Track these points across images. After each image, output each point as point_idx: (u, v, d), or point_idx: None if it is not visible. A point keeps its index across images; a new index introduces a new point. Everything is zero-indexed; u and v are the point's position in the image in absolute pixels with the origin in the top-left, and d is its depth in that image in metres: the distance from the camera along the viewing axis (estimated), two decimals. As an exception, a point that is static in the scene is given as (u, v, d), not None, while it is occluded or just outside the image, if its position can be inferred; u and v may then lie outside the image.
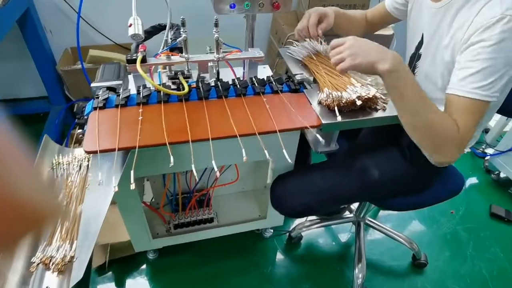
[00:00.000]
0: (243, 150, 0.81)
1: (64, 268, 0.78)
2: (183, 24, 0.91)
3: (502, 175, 1.95)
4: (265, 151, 0.84)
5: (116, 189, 0.75)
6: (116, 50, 2.05)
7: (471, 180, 1.98)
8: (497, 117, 1.99)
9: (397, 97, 0.81)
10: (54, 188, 0.81)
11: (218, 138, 0.86)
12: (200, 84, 1.02)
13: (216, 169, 0.79)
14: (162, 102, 0.95)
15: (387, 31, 2.04)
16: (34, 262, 0.79)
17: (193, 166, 0.80)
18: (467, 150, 1.05)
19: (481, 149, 2.10)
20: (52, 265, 0.78)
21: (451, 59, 0.86)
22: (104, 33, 2.05)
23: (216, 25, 0.93)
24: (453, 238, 1.65)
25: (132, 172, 0.75)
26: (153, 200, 1.37)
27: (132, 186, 0.74)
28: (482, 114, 0.80)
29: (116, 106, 0.93)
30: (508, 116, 1.64)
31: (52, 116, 1.97)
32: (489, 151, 2.03)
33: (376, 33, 2.01)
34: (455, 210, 1.77)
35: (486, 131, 2.10)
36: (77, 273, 0.71)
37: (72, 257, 0.79)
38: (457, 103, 0.80)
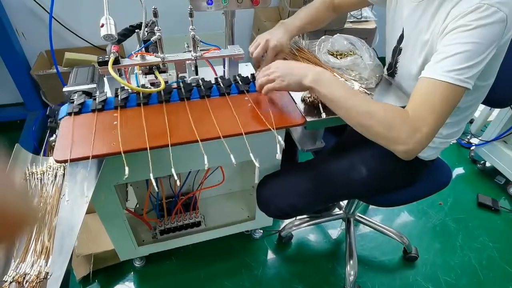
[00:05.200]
0: (232, 156, 0.77)
1: (39, 286, 0.74)
2: (155, 15, 0.86)
3: (487, 164, 1.96)
4: (251, 154, 0.80)
5: (88, 200, 0.70)
6: (93, 52, 1.98)
7: (458, 171, 1.99)
8: (481, 107, 2.00)
9: (331, 103, 0.82)
10: (29, 193, 0.76)
11: (202, 141, 0.82)
12: (181, 84, 0.98)
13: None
14: (142, 105, 0.91)
15: (370, 25, 2.03)
16: (6, 281, 0.74)
17: (173, 170, 0.76)
18: (452, 141, 1.03)
19: (466, 140, 2.11)
20: (26, 283, 0.73)
21: (429, 54, 0.84)
22: (80, 35, 1.98)
23: (191, 15, 0.89)
24: (443, 230, 1.65)
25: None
26: (137, 206, 1.33)
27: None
28: (452, 101, 0.74)
29: (93, 110, 0.88)
30: (492, 106, 1.65)
31: (29, 123, 1.90)
32: (474, 141, 2.05)
33: (359, 27, 2.01)
34: (443, 202, 1.78)
35: (471, 121, 2.11)
36: (52, 291, 0.67)
37: (47, 273, 0.74)
38: (423, 86, 0.75)
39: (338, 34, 1.12)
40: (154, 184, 0.72)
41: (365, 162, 1.00)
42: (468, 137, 2.11)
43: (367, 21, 2.06)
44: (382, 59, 1.06)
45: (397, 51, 0.99)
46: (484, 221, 1.70)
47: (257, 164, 0.81)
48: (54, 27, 1.80)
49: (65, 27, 1.93)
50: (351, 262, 1.38)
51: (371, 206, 1.74)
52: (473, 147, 2.03)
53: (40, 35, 1.83)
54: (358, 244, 1.54)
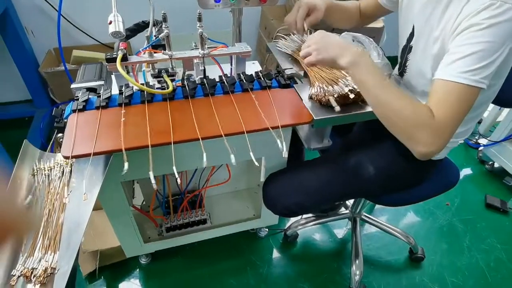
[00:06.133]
0: (232, 156, 0.78)
1: (47, 280, 0.74)
2: (165, 20, 0.87)
3: (496, 165, 1.94)
4: (251, 153, 0.80)
5: (86, 197, 0.71)
6: (101, 50, 1.99)
7: (465, 171, 1.97)
8: (490, 107, 1.97)
9: (362, 89, 0.82)
10: (20, 200, 0.77)
11: (204, 139, 0.82)
12: (185, 82, 0.98)
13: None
14: (146, 102, 0.91)
15: (377, 23, 2.02)
16: (14, 275, 0.75)
17: (174, 168, 0.76)
18: (460, 141, 1.03)
19: (474, 140, 2.09)
20: (33, 277, 0.74)
21: (440, 51, 0.83)
22: (88, 32, 2.00)
23: (200, 19, 0.89)
24: (450, 231, 1.63)
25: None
26: (143, 203, 1.33)
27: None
28: (469, 102, 0.74)
29: (97, 107, 0.89)
30: (501, 106, 1.62)
31: (37, 120, 1.92)
32: (483, 141, 2.02)
33: (367, 25, 1.99)
34: (450, 202, 1.76)
35: (479, 121, 2.09)
36: (59, 285, 0.67)
37: (54, 269, 0.75)
38: (441, 88, 0.75)
39: (346, 32, 1.11)
40: (154, 181, 0.72)
41: (373, 161, 1.00)
42: (476, 137, 2.09)
43: (374, 19, 2.04)
44: (390, 58, 1.05)
45: (406, 49, 0.99)
46: (492, 223, 1.68)
47: (256, 164, 0.81)
48: (62, 24, 1.81)
49: (73, 24, 1.94)
50: (357, 261, 1.37)
51: (377, 206, 1.72)
52: (481, 148, 2.01)
53: (49, 32, 1.85)
54: (364, 243, 1.53)
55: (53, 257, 0.78)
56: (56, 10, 1.74)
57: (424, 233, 1.62)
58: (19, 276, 0.75)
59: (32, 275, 0.75)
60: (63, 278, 0.67)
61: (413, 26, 0.94)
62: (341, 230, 1.62)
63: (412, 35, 0.95)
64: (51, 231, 0.84)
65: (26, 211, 0.72)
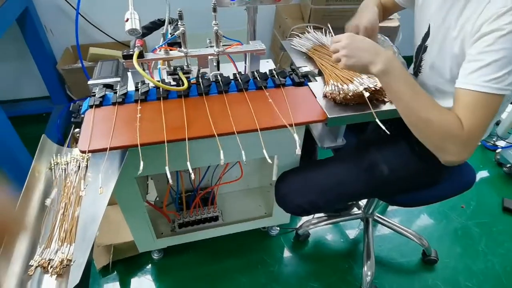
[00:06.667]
0: (243, 152, 0.78)
1: (63, 272, 0.76)
2: (181, 17, 0.88)
3: (514, 168, 1.89)
4: (264, 151, 0.80)
5: (102, 191, 0.73)
6: (117, 47, 2.02)
7: (482, 174, 1.93)
8: (508, 108, 1.93)
9: (392, 96, 0.82)
10: (11, 201, 0.79)
11: (219, 135, 0.83)
12: (200, 80, 0.99)
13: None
14: (162, 99, 0.92)
15: (393, 23, 1.99)
16: (32, 265, 0.77)
17: (188, 164, 0.77)
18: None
19: (491, 142, 2.04)
20: (50, 268, 0.76)
21: (460, 51, 0.82)
22: (105, 30, 2.03)
23: (215, 10, 0.90)
24: (465, 234, 1.60)
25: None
26: (157, 199, 1.35)
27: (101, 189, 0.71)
28: (494, 110, 0.75)
29: (113, 103, 0.90)
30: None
31: (54, 116, 1.96)
32: (501, 143, 1.98)
33: (382, 25, 1.97)
34: (465, 205, 1.73)
35: (497, 123, 2.04)
36: (75, 277, 0.69)
37: (70, 260, 0.77)
38: (466, 98, 0.75)
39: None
40: (169, 176, 0.73)
41: (387, 161, 0.99)
42: (493, 139, 2.04)
43: (390, 19, 2.02)
44: (405, 58, 1.04)
45: (421, 49, 0.97)
46: (509, 226, 1.63)
47: (269, 161, 0.81)
48: (80, 23, 1.85)
49: (90, 23, 1.98)
50: (369, 262, 1.36)
51: (390, 207, 1.70)
52: (499, 150, 1.96)
53: (67, 30, 1.89)
54: (376, 244, 1.51)
55: (69, 249, 0.80)
56: (75, 8, 1.78)
57: (438, 235, 1.59)
58: (36, 267, 0.77)
59: (49, 266, 0.77)
60: (78, 269, 0.69)
61: (429, 26, 0.93)
62: (353, 230, 1.61)
63: (427, 34, 0.94)
64: (67, 224, 0.86)
65: (17, 213, 0.74)
